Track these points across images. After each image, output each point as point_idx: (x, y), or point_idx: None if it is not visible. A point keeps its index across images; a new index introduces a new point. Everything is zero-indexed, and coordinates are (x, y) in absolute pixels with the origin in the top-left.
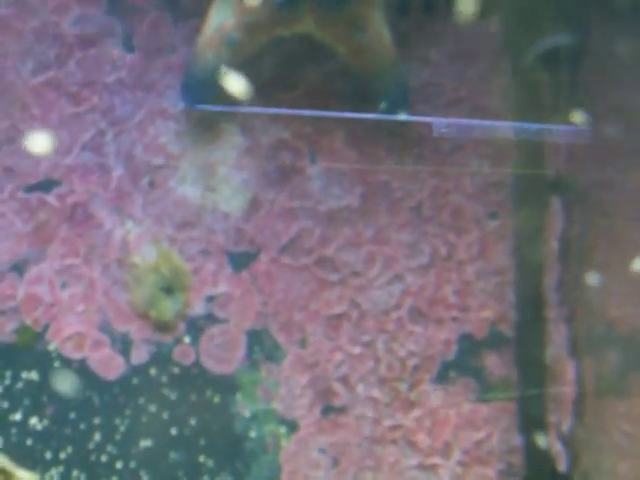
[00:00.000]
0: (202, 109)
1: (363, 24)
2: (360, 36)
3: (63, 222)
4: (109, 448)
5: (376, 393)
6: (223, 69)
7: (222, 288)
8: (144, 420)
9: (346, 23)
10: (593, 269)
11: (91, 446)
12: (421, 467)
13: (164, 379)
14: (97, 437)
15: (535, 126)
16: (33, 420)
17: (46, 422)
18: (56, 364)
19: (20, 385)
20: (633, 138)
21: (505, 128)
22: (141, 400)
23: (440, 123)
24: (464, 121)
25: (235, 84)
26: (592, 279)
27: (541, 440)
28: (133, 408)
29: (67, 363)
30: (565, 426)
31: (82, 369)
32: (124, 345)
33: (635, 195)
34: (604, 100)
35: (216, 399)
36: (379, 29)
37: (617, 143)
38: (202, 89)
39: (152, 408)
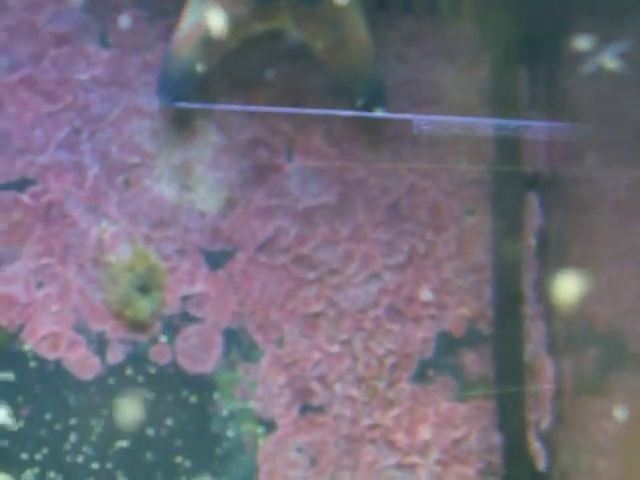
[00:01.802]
0: (179, 106)
1: (340, 20)
2: (336, 32)
3: (38, 221)
4: (85, 449)
5: (354, 392)
6: (199, 67)
7: (198, 287)
8: (120, 420)
9: (322, 19)
10: (571, 266)
11: (67, 447)
12: (399, 466)
13: (140, 379)
14: (73, 438)
15: (513, 122)
16: (8, 421)
17: (22, 423)
18: (32, 364)
19: None
20: (610, 134)
21: (484, 124)
22: (117, 400)
23: (420, 120)
24: (444, 118)
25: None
26: (570, 276)
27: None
28: (109, 408)
29: (43, 363)
30: (544, 424)
31: (58, 369)
32: (100, 345)
33: (613, 191)
34: (581, 96)
35: (193, 399)
36: (356, 25)
37: (595, 139)
38: (178, 87)
39: (128, 408)
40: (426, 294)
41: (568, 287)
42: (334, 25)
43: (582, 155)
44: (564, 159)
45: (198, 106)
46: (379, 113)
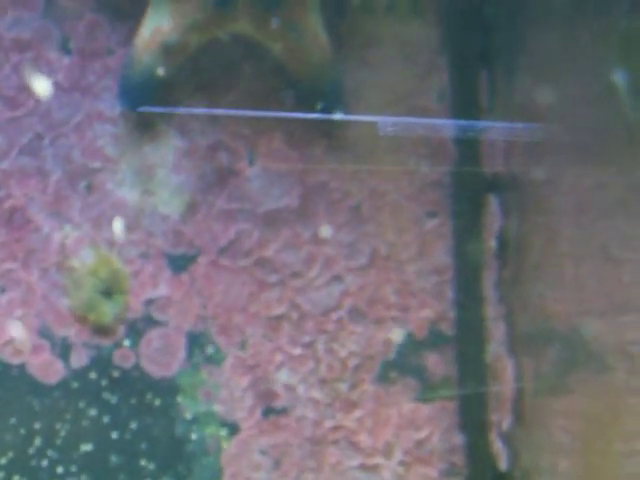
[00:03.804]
0: (140, 111)
1: (298, 24)
2: (295, 36)
3: (1, 227)
4: (50, 453)
5: (317, 394)
6: (160, 71)
7: (161, 291)
8: (85, 424)
9: (281, 22)
10: (531, 266)
11: (31, 451)
12: (363, 468)
13: (104, 382)
14: (38, 442)
15: (475, 124)
16: None
17: None
18: None
19: None
20: (568, 135)
21: (447, 126)
22: (81, 404)
23: (385, 122)
24: (409, 119)
25: None
26: (530, 276)
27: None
28: (73, 412)
29: (7, 368)
30: (505, 424)
31: (22, 374)
32: (63, 349)
33: (570, 191)
34: (539, 97)
35: (157, 402)
36: (314, 29)
37: (552, 140)
38: (139, 92)
39: (93, 412)
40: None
41: (527, 287)
42: (292, 29)
43: (541, 156)
44: (523, 161)
45: (159, 110)
46: (338, 116)
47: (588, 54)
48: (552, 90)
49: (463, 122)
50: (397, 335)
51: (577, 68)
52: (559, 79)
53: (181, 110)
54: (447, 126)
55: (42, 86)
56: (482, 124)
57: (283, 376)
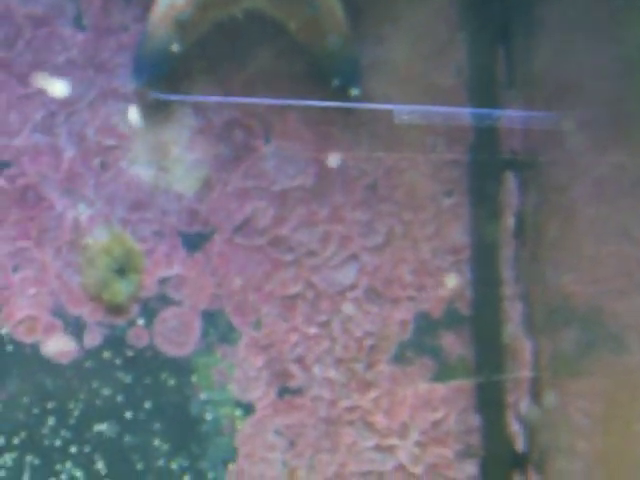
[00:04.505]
0: (156, 96)
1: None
2: (311, 12)
3: (14, 205)
4: (63, 432)
5: (332, 374)
6: (175, 47)
7: (176, 270)
8: (98, 404)
9: None
10: (549, 246)
11: (45, 431)
12: (378, 448)
13: (118, 362)
14: (51, 421)
15: (493, 111)
16: None
17: None
18: (8, 348)
19: None
20: (586, 116)
21: (464, 113)
22: (95, 384)
23: (401, 110)
24: (424, 107)
25: None
26: (548, 256)
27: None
28: (87, 392)
29: (20, 347)
30: (522, 406)
31: (35, 353)
32: (77, 328)
33: (591, 171)
34: (558, 73)
35: (171, 382)
36: (330, 4)
37: (571, 121)
38: (153, 67)
39: (106, 391)
40: None
41: (545, 267)
42: (308, 5)
43: (559, 136)
44: (542, 140)
45: (175, 98)
46: (355, 92)
47: (607, 29)
48: (571, 65)
49: (483, 109)
50: (451, 281)
51: (596, 43)
52: (578, 54)
53: (197, 98)
54: (464, 111)
55: (58, 88)
56: (502, 109)
57: (298, 356)
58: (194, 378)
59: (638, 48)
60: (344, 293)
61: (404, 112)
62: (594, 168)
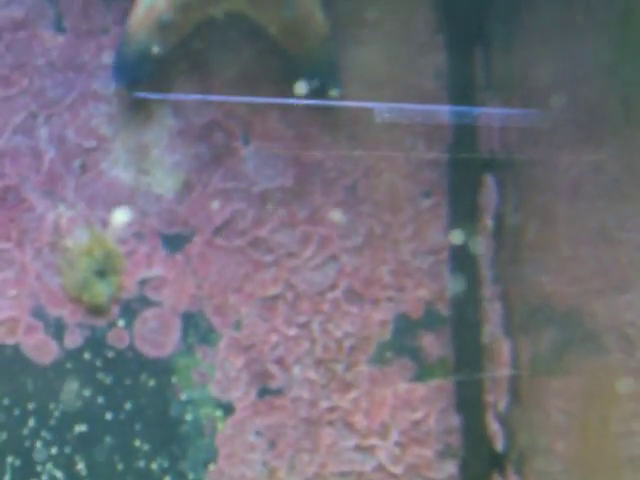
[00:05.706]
0: (136, 96)
1: (294, 1)
2: (290, 14)
3: None
4: (44, 433)
5: (312, 375)
6: (155, 50)
7: (156, 271)
8: (79, 405)
9: (276, 1)
10: (527, 246)
11: (25, 432)
12: (359, 448)
13: (98, 363)
14: (31, 423)
15: (471, 109)
16: None
17: None
18: None
19: None
20: (564, 117)
21: (444, 111)
22: (75, 385)
23: (382, 108)
24: (404, 105)
25: None
26: (527, 256)
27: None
28: (68, 393)
29: (0, 348)
30: (502, 405)
31: (15, 354)
32: (57, 329)
33: (569, 172)
34: (535, 74)
35: (151, 383)
36: (310, 7)
37: (549, 119)
38: (133, 69)
39: (87, 393)
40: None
41: (524, 267)
42: (287, 7)
43: (538, 137)
44: (520, 141)
45: (154, 97)
46: (334, 93)
47: (584, 31)
48: (548, 67)
49: (462, 107)
50: (457, 237)
51: (574, 45)
52: (556, 56)
53: (177, 96)
54: (443, 111)
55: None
56: (480, 108)
57: (278, 357)
58: (174, 379)
59: (614, 50)
60: (324, 294)
61: (384, 110)
62: (572, 168)
